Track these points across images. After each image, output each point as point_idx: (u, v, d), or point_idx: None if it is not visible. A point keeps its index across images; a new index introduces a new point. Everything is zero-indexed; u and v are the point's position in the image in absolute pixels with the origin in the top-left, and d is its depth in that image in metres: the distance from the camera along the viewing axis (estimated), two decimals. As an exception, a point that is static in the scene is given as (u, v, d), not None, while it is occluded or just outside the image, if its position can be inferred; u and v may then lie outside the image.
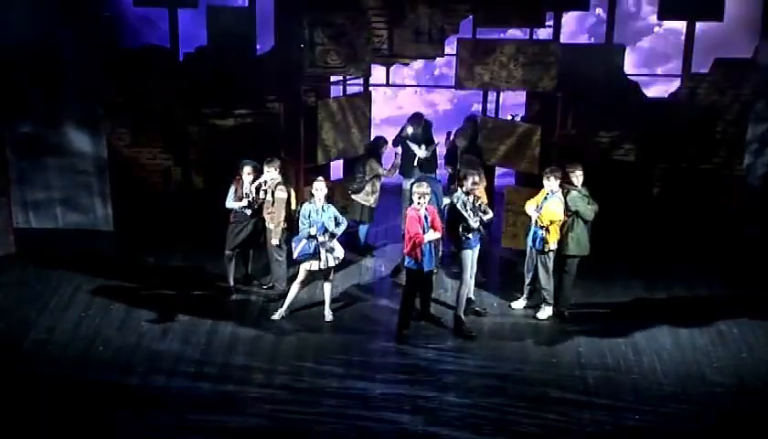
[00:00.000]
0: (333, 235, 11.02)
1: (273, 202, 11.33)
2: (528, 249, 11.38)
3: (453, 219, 10.91)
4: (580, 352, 10.74)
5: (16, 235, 12.98)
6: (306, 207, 11.03)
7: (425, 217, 10.61)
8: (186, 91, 12.92)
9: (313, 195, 10.99)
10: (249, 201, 11.45)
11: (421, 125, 13.27)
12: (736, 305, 11.76)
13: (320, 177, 11.24)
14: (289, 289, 11.33)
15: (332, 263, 11.14)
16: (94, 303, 11.55)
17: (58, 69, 12.83)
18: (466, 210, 10.79)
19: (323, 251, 10.98)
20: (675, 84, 13.30)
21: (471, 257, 11.00)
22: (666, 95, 13.17)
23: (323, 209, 10.98)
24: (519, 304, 11.71)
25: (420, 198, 10.57)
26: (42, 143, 13.20)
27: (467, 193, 10.86)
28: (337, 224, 11.08)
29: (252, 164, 11.51)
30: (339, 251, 11.19)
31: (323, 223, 10.92)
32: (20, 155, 13.19)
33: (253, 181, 11.47)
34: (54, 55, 12.75)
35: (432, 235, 10.64)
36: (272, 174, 11.38)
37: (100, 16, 12.79)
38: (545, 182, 11.08)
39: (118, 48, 12.87)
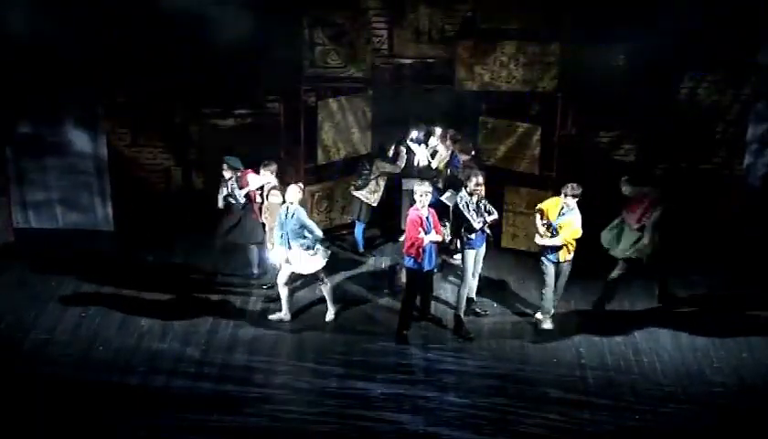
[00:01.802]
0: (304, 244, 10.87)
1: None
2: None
3: (455, 220, 10.91)
4: (580, 352, 10.75)
5: (16, 235, 12.99)
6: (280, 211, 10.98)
7: (427, 218, 10.61)
8: (186, 91, 12.91)
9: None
10: (225, 197, 11.59)
11: (423, 129, 13.26)
12: (736, 305, 11.76)
13: (293, 184, 11.08)
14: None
15: (305, 271, 11.03)
16: (94, 303, 11.55)
17: (58, 69, 12.83)
18: (469, 211, 10.79)
19: (293, 258, 10.93)
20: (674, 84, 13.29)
21: (473, 257, 11.00)
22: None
23: (289, 216, 10.80)
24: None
25: (421, 197, 10.58)
26: (42, 143, 13.19)
27: (470, 194, 10.85)
28: (305, 233, 10.81)
29: (231, 160, 11.60)
30: (317, 260, 10.97)
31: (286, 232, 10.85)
32: (20, 155, 13.21)
33: (230, 178, 11.56)
34: (54, 55, 12.74)
35: (434, 237, 10.64)
36: (267, 177, 11.38)
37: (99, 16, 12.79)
38: (566, 199, 10.84)
39: (118, 48, 12.85)
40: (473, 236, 10.85)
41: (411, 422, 9.44)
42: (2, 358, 10.39)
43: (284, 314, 11.28)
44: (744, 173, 13.06)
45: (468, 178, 10.94)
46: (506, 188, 13.13)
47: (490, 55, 12.46)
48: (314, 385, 10.03)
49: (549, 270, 11.01)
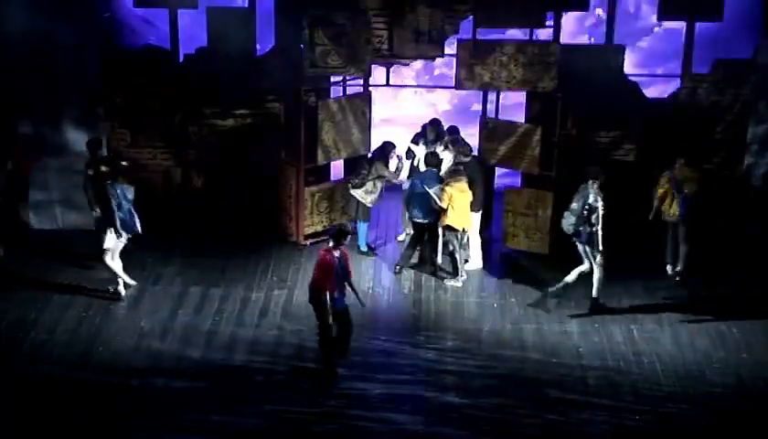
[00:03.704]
0: None
1: None
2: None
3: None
4: (580, 352, 10.75)
5: (16, 235, 12.98)
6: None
7: (339, 258, 9.90)
8: (186, 91, 12.91)
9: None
10: None
11: (435, 131, 13.25)
12: (736, 305, 11.77)
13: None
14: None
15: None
16: (94, 303, 11.55)
17: (58, 69, 12.83)
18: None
19: None
20: (675, 84, 13.30)
21: None
22: (666, 95, 13.16)
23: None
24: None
25: (336, 240, 9.92)
26: (42, 143, 13.20)
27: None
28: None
29: None
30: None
31: None
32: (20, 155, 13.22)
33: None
34: (54, 55, 12.75)
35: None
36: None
37: (100, 16, 12.81)
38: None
39: (118, 48, 12.87)
40: None
41: (411, 422, 9.44)
42: (2, 357, 10.39)
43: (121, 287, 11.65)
44: (744, 173, 13.06)
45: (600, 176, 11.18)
46: (505, 188, 13.16)
47: (490, 55, 12.47)
48: (314, 385, 10.03)
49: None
